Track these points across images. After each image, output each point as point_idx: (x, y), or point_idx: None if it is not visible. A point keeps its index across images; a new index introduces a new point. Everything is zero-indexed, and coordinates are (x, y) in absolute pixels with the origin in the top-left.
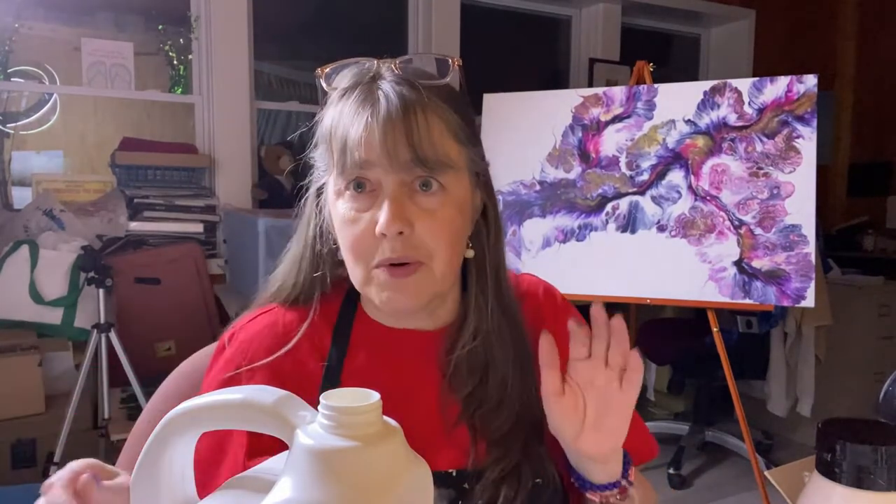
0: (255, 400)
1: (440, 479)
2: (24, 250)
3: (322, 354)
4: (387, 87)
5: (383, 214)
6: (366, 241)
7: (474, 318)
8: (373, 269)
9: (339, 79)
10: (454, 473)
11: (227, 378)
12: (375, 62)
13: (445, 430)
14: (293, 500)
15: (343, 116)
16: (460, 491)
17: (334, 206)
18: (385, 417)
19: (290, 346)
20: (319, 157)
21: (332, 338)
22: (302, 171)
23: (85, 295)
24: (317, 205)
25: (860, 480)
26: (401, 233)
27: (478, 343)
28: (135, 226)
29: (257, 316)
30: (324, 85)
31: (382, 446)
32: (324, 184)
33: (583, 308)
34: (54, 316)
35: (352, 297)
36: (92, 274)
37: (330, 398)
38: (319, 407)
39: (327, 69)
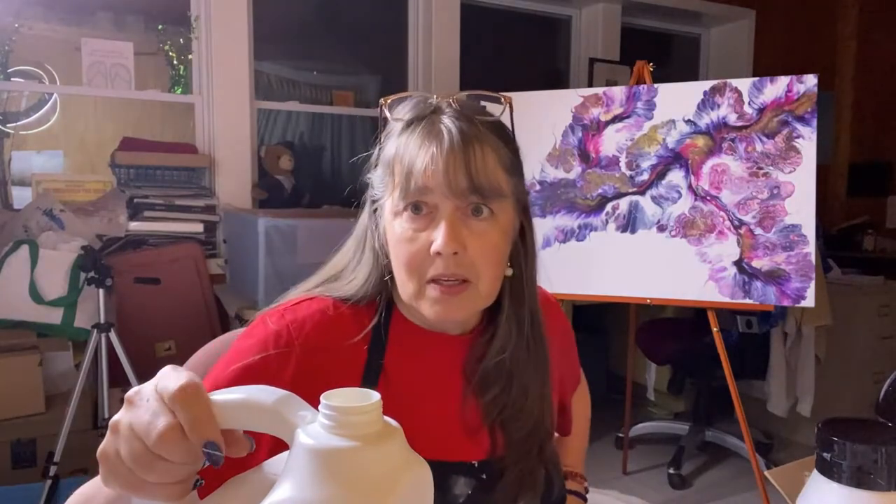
0: (256, 399)
1: (463, 469)
2: (24, 250)
3: (357, 352)
4: (448, 122)
5: (441, 235)
6: (420, 258)
7: (505, 331)
8: (425, 284)
9: (401, 109)
10: (476, 464)
11: (275, 354)
12: (435, 97)
13: (466, 429)
14: (294, 499)
15: (409, 147)
16: (481, 481)
17: (391, 225)
18: (386, 418)
19: (359, 337)
20: (378, 178)
21: (372, 335)
22: (359, 188)
23: (85, 295)
24: (373, 218)
25: (860, 480)
26: (455, 253)
27: (505, 356)
28: (135, 226)
29: (303, 301)
30: (387, 114)
31: (383, 446)
32: (378, 201)
33: (582, 308)
34: (54, 316)
35: (388, 303)
36: (92, 274)
37: (330, 398)
38: (320, 407)
39: (390, 100)
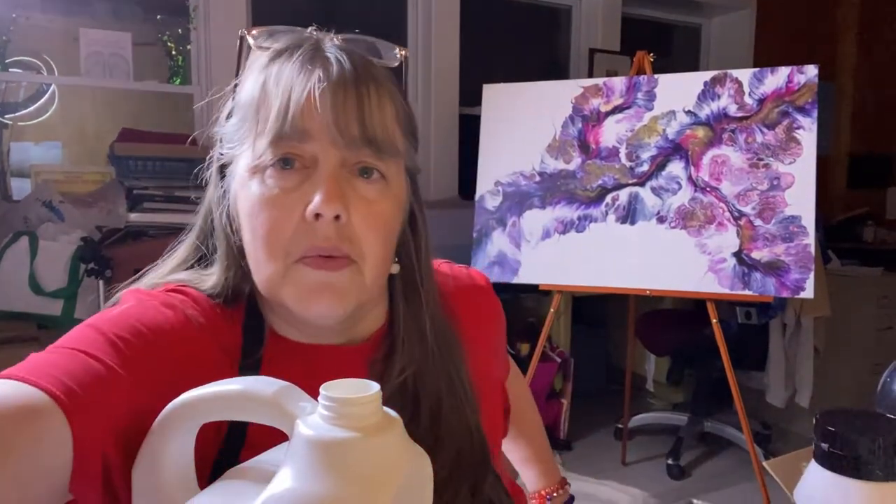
0: (255, 391)
1: None
2: (24, 241)
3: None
4: (336, 52)
5: (321, 192)
6: (288, 227)
7: (405, 347)
8: (292, 263)
9: (272, 42)
10: None
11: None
12: (315, 31)
13: None
14: (294, 490)
15: (283, 76)
16: None
17: (245, 188)
18: (385, 408)
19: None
20: (232, 128)
21: (242, 359)
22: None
23: (85, 286)
24: (221, 187)
25: (857, 471)
26: (338, 217)
27: (408, 375)
28: (134, 217)
29: (173, 293)
30: (251, 42)
31: (382, 437)
32: (228, 163)
33: (582, 300)
34: (54, 307)
35: (254, 311)
36: (91, 265)
37: (330, 389)
38: (319, 398)
39: (254, 31)
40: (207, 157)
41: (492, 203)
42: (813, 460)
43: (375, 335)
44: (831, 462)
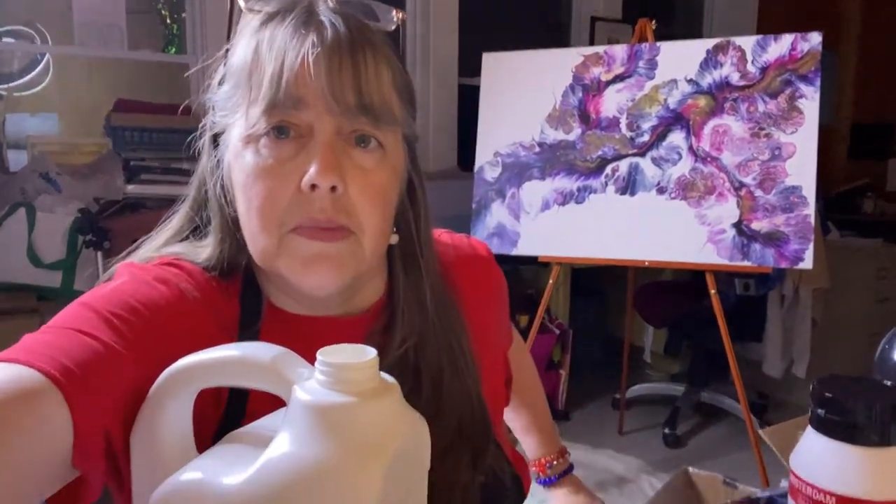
0: (252, 356)
1: None
2: (21, 213)
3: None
4: (330, 16)
5: (317, 162)
6: (283, 198)
7: (404, 316)
8: (287, 233)
9: (264, 4)
10: None
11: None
12: None
13: None
14: (291, 454)
15: (277, 41)
16: None
17: (239, 158)
18: (382, 374)
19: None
20: (225, 96)
21: (239, 332)
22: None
23: (84, 258)
24: (215, 157)
25: (853, 436)
26: (334, 188)
27: (408, 346)
28: (132, 189)
29: (167, 266)
30: (242, 4)
31: (380, 402)
32: (221, 131)
33: (581, 271)
34: (53, 279)
35: (252, 283)
36: (90, 237)
37: (327, 355)
38: (317, 364)
39: None
40: (200, 126)
41: (491, 174)
42: (809, 426)
43: (375, 306)
44: (827, 428)
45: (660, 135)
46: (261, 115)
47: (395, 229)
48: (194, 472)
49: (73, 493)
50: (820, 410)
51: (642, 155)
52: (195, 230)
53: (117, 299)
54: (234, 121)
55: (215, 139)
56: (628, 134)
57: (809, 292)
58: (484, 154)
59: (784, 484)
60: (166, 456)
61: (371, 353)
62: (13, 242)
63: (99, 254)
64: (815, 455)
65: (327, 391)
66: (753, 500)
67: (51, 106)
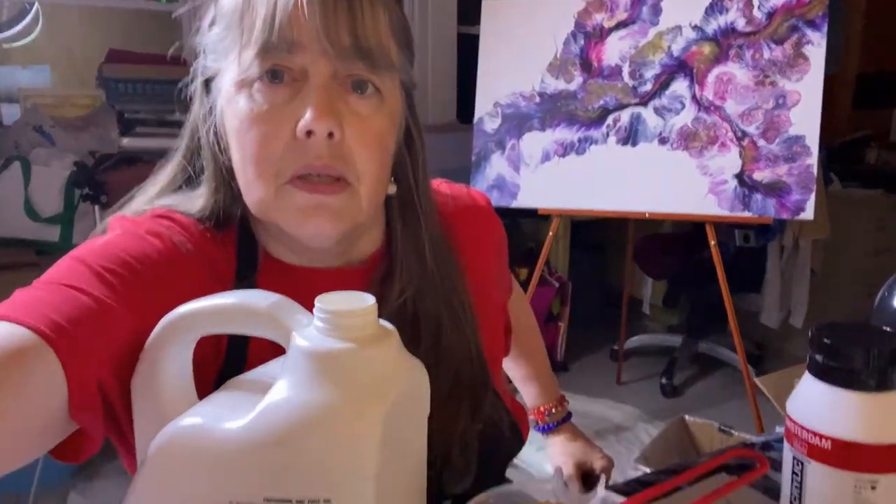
0: (251, 304)
1: None
2: (17, 167)
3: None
4: None
5: (311, 107)
6: (278, 145)
7: (402, 266)
8: (284, 184)
9: None
10: None
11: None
12: None
13: None
14: (290, 399)
15: None
16: None
17: (232, 103)
18: (381, 321)
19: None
20: (216, 39)
21: (236, 283)
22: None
23: (81, 212)
24: (208, 103)
25: (851, 382)
26: (331, 134)
27: (407, 296)
28: (127, 142)
29: (158, 219)
30: None
31: (378, 348)
32: (212, 76)
33: (580, 224)
34: (52, 233)
35: (247, 234)
36: (86, 190)
37: (325, 301)
38: (315, 311)
39: None
40: (191, 70)
41: (490, 125)
42: (806, 372)
43: (373, 258)
44: (825, 373)
45: (663, 83)
46: (253, 58)
47: (392, 179)
48: (194, 418)
49: (75, 445)
50: (818, 356)
51: (644, 104)
52: (189, 180)
53: (109, 253)
54: (225, 65)
55: (207, 84)
56: (631, 83)
57: (809, 243)
58: (483, 105)
59: (779, 430)
60: (167, 403)
61: (370, 299)
62: (9, 197)
63: (96, 207)
64: (813, 400)
65: (326, 338)
66: (749, 445)
67: (42, 57)
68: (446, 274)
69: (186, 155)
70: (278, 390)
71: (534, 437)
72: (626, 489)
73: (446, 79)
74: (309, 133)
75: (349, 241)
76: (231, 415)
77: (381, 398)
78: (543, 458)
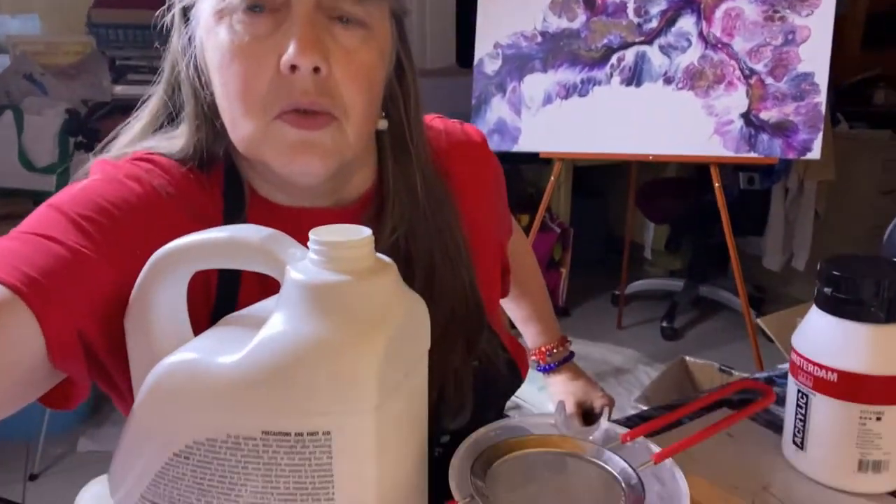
0: (243, 237)
1: None
2: (9, 116)
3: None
4: None
5: (295, 40)
6: (263, 79)
7: (394, 203)
8: (271, 120)
9: None
10: None
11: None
12: None
13: None
14: (287, 332)
15: None
16: None
17: (212, 35)
18: (378, 254)
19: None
20: None
21: (223, 223)
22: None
23: (77, 161)
24: (186, 34)
25: (859, 314)
26: (317, 69)
27: (399, 234)
28: (119, 90)
29: (139, 162)
30: None
31: (375, 280)
32: (191, 6)
33: (582, 170)
34: (47, 183)
35: (233, 173)
36: (80, 138)
37: (320, 234)
38: (309, 243)
39: None
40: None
41: (491, 67)
42: (813, 306)
43: (364, 196)
44: (834, 306)
45: (669, 20)
46: None
47: (383, 114)
48: (189, 353)
49: (64, 392)
50: (826, 289)
51: (649, 42)
52: (171, 117)
53: (86, 199)
54: None
55: (185, 13)
56: (636, 20)
57: (814, 185)
58: (483, 46)
59: (781, 367)
60: (161, 339)
61: (365, 231)
62: (3, 147)
63: (91, 155)
64: (819, 333)
65: (322, 270)
66: (752, 380)
67: (30, 6)
68: (439, 211)
69: (168, 90)
70: (274, 324)
71: (535, 376)
72: (628, 424)
73: (445, 21)
74: (293, 68)
75: (339, 179)
76: (226, 349)
77: (380, 330)
78: (545, 397)
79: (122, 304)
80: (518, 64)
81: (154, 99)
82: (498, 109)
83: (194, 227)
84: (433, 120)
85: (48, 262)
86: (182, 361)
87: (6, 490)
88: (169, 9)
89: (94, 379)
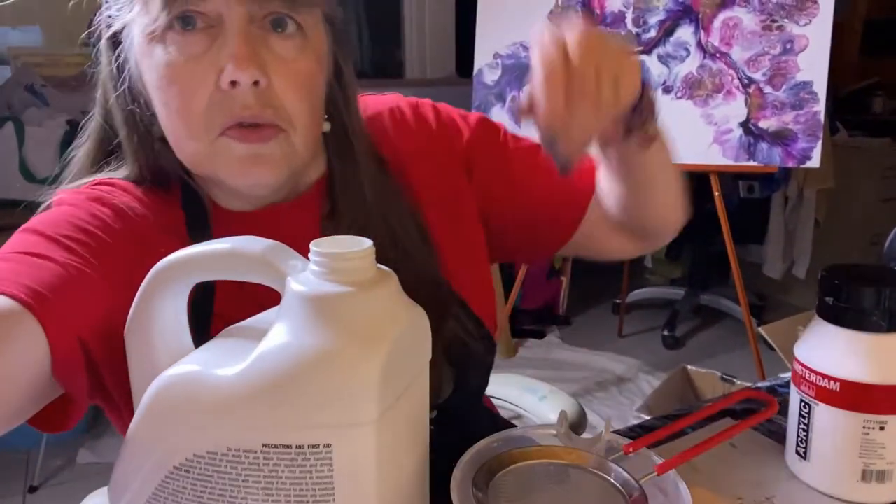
0: (243, 249)
1: None
2: (10, 127)
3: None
4: None
5: (232, 56)
6: (202, 98)
7: (346, 208)
8: (216, 137)
9: None
10: None
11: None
12: None
13: None
14: (289, 344)
15: None
16: None
17: (147, 56)
18: (379, 265)
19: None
20: None
21: (190, 235)
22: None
23: None
24: (116, 59)
25: (861, 323)
26: (256, 83)
27: (352, 232)
28: None
29: (99, 185)
30: None
31: (377, 291)
32: (121, 30)
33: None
34: (48, 194)
35: (190, 187)
36: None
37: (321, 245)
38: (310, 255)
39: None
40: (93, 24)
41: (490, 77)
42: (815, 315)
43: (317, 184)
44: (835, 315)
45: (667, 30)
46: (161, 6)
47: (326, 116)
48: (190, 365)
49: (61, 412)
50: (828, 298)
51: (648, 52)
52: (112, 150)
53: (61, 221)
54: (132, 15)
55: (115, 37)
56: (634, 30)
57: (814, 193)
58: (483, 56)
59: (783, 376)
60: (162, 351)
61: (367, 242)
62: (4, 158)
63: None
64: (822, 343)
65: (322, 282)
66: (755, 390)
67: (32, 17)
68: (389, 210)
69: (103, 114)
70: (275, 336)
71: (536, 387)
72: (630, 435)
73: (444, 31)
74: (233, 83)
75: (292, 179)
76: (227, 361)
77: (381, 342)
78: (548, 408)
79: (118, 317)
80: (518, 74)
81: (92, 123)
82: (498, 119)
83: (169, 240)
84: (366, 100)
85: (47, 277)
86: (182, 374)
87: (6, 502)
88: (95, 35)
89: (92, 395)
